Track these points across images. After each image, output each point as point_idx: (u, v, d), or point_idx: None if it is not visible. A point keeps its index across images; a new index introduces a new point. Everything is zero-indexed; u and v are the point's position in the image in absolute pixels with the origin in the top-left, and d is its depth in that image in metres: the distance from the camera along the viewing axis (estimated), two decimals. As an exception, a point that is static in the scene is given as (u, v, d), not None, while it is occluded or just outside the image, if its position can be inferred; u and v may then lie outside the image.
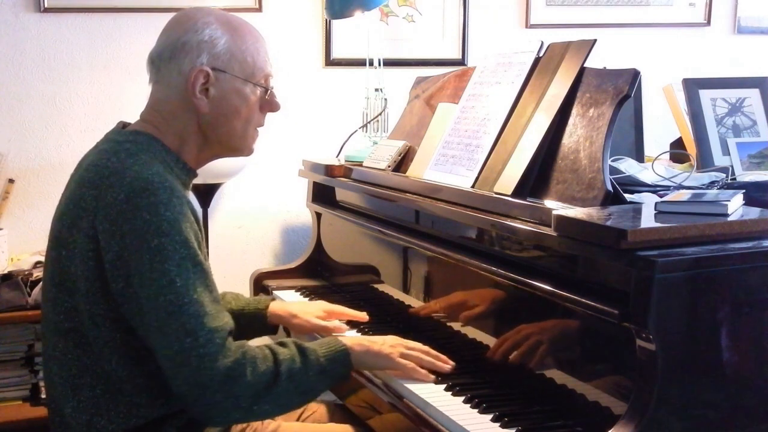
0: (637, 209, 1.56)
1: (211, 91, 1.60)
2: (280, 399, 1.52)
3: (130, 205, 1.46)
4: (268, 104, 1.69)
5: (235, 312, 1.91)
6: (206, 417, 1.49)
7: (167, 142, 1.61)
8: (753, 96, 2.24)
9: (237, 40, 1.62)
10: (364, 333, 1.98)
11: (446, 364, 1.72)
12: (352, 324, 2.03)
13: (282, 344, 1.58)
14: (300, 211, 2.96)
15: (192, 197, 1.82)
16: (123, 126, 1.66)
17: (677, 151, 2.27)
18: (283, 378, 1.51)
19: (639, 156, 2.19)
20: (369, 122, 2.69)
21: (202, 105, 1.60)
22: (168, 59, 1.60)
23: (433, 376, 1.69)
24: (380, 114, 2.67)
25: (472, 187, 1.87)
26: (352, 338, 1.71)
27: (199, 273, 1.48)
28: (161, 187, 1.48)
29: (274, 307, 1.97)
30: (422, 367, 1.70)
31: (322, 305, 2.02)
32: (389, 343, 1.71)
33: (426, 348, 1.74)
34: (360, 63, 2.84)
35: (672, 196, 1.58)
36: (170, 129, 1.62)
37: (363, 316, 2.01)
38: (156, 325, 1.45)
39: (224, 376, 1.44)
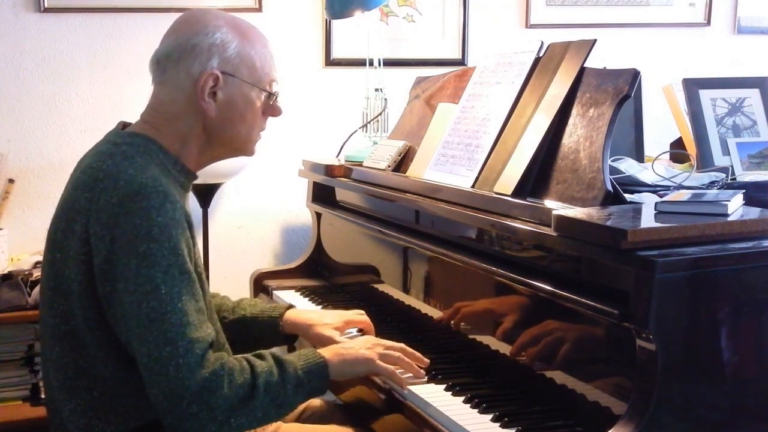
0: (637, 209, 1.56)
1: (219, 95, 1.60)
2: (257, 412, 1.48)
3: (123, 209, 1.45)
4: (271, 109, 1.69)
5: (248, 319, 1.90)
6: (181, 429, 1.44)
7: (167, 144, 1.60)
8: (753, 96, 2.24)
9: (246, 45, 1.62)
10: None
11: (421, 368, 1.70)
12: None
13: (260, 356, 1.55)
14: (300, 211, 2.96)
15: (192, 197, 1.82)
16: (123, 127, 1.65)
17: (677, 151, 2.27)
18: (260, 391, 1.47)
19: (639, 156, 2.19)
20: (369, 122, 2.69)
21: (209, 108, 1.59)
22: (176, 60, 1.59)
23: (409, 382, 1.68)
24: (380, 114, 2.67)
25: (472, 187, 1.87)
26: (329, 348, 1.67)
27: (185, 281, 1.46)
28: (155, 192, 1.46)
29: (290, 315, 1.91)
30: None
31: (341, 315, 1.95)
32: (366, 346, 1.69)
33: (402, 346, 1.73)
34: (360, 63, 2.84)
35: (672, 196, 1.58)
36: (172, 131, 1.61)
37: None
38: (137, 332, 1.43)
39: (200, 388, 1.41)
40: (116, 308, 1.47)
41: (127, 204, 1.45)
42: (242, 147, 1.69)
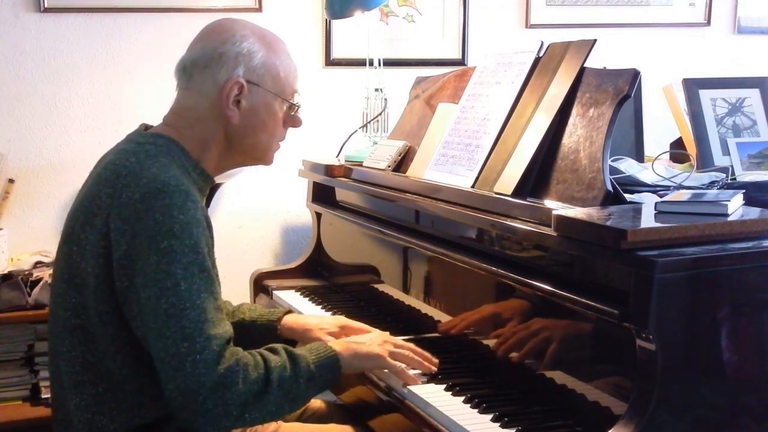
0: (637, 209, 1.56)
1: (243, 103, 1.62)
2: (270, 406, 1.50)
3: (145, 205, 1.47)
4: (292, 120, 1.72)
5: (247, 323, 1.90)
6: (195, 423, 1.45)
7: (188, 147, 1.62)
8: (753, 96, 2.24)
9: (272, 55, 1.65)
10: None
11: (432, 365, 1.72)
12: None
13: (273, 350, 1.57)
14: (300, 211, 2.96)
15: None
16: (145, 128, 1.68)
17: (677, 151, 2.27)
18: (274, 386, 1.49)
19: (639, 156, 2.19)
20: (369, 122, 2.69)
21: (233, 116, 1.62)
22: (203, 67, 1.61)
23: (421, 380, 1.69)
24: (380, 114, 2.68)
25: (472, 187, 1.87)
26: (340, 342, 1.69)
27: (204, 279, 1.48)
28: (177, 191, 1.48)
29: (288, 320, 1.92)
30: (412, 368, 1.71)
31: (338, 320, 1.95)
32: (377, 342, 1.72)
33: (412, 346, 1.74)
34: (360, 63, 2.84)
35: (672, 196, 1.58)
36: (194, 135, 1.63)
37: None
38: (155, 327, 1.44)
39: (216, 384, 1.43)
40: (133, 303, 1.48)
41: (150, 201, 1.47)
42: (262, 155, 1.72)
